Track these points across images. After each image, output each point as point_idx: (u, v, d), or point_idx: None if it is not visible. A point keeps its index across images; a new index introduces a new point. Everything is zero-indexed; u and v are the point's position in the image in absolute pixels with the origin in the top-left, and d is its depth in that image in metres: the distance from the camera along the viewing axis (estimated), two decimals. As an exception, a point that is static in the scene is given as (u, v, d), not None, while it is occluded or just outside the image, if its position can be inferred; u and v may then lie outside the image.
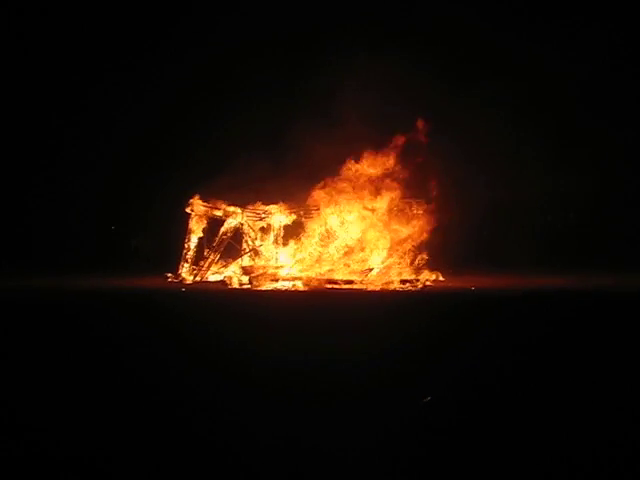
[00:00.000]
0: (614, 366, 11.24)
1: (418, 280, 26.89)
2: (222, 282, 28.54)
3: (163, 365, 11.50)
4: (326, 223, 28.63)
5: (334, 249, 28.34)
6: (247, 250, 30.05)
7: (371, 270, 27.54)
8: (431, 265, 28.42)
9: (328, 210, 28.50)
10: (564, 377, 10.52)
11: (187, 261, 30.46)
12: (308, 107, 31.71)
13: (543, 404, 8.94)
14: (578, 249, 38.53)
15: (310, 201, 29.10)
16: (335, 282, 26.79)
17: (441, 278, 28.58)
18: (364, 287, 26.51)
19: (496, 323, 16.52)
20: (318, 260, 27.94)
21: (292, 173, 28.19)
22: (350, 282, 26.85)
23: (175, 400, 9.28)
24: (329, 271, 27.59)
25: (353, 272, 27.46)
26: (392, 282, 26.83)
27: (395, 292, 25.97)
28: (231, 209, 30.06)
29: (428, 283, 27.33)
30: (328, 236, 28.46)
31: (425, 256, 28.15)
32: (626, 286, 25.95)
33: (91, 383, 10.17)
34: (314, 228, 28.95)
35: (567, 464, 6.98)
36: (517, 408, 8.80)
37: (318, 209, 28.87)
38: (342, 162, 28.68)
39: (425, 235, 28.25)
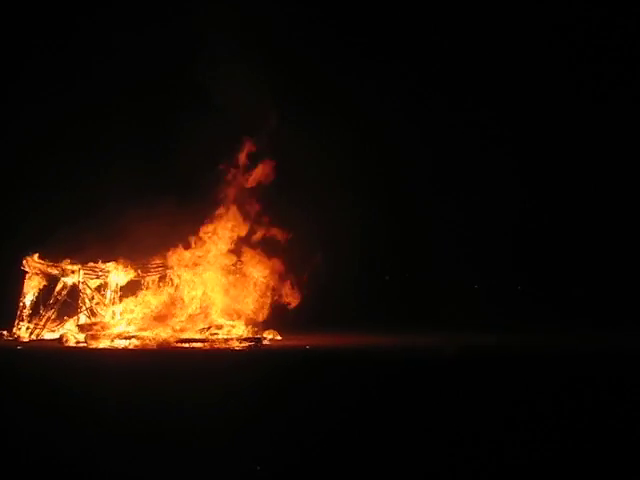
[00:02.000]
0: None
1: (255, 339, 27.47)
2: (58, 340, 28.28)
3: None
4: (173, 284, 29.03)
5: (176, 309, 28.66)
6: (83, 308, 29.85)
7: (209, 329, 27.98)
8: (270, 324, 29.19)
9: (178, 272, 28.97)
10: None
11: (22, 319, 29.96)
12: (152, 166, 31.96)
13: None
14: (414, 308, 39.89)
15: (150, 259, 29.50)
16: (182, 341, 27.09)
17: (278, 337, 29.31)
18: (205, 346, 26.87)
19: (319, 381, 17.23)
20: (156, 318, 28.10)
21: (136, 231, 28.44)
22: (194, 341, 27.18)
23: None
24: (168, 329, 27.77)
25: (191, 331, 27.83)
26: (231, 340, 27.33)
27: (233, 350, 26.44)
28: (67, 267, 29.86)
29: (265, 342, 27.99)
30: (173, 301, 28.80)
31: (263, 316, 28.93)
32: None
33: None
34: (154, 287, 29.28)
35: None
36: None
37: (157, 267, 29.23)
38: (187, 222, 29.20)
39: (266, 295, 29.01)
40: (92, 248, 29.65)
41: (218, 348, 26.71)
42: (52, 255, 30.15)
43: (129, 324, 28.36)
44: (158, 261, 29.78)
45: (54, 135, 37.18)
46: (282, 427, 11.55)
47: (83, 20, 36.64)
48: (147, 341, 26.93)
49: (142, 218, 27.74)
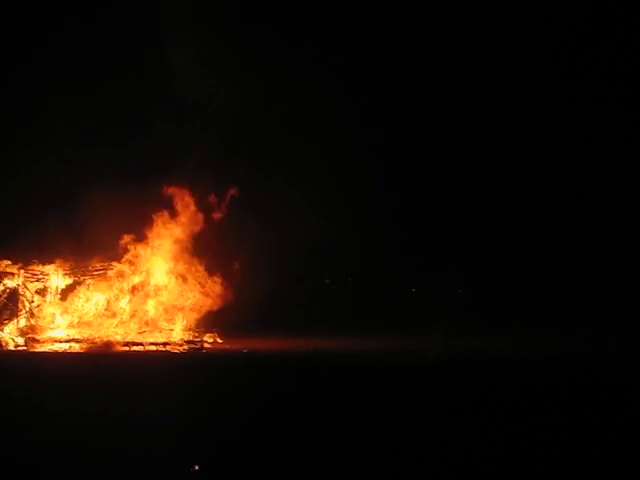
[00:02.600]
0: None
1: (195, 342, 27.63)
2: (-4, 344, 28.02)
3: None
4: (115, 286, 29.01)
5: (117, 311, 28.66)
6: (23, 311, 29.52)
7: (150, 331, 28.07)
8: (210, 327, 29.28)
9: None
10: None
11: (-40, 322, 29.50)
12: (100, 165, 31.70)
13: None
14: (355, 312, 40.14)
15: (91, 261, 29.39)
16: (122, 344, 27.11)
17: (219, 340, 29.42)
18: (144, 349, 26.95)
19: (260, 384, 17.50)
20: (96, 321, 28.07)
21: (82, 232, 28.41)
22: (134, 344, 27.24)
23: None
24: (108, 332, 27.76)
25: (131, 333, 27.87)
26: (171, 343, 27.46)
27: (173, 353, 26.56)
28: (7, 269, 29.47)
29: (206, 345, 28.12)
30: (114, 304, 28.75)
31: (203, 317, 29.06)
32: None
33: None
34: (96, 289, 29.23)
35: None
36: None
37: (98, 270, 29.13)
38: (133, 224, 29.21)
39: (206, 298, 29.16)
40: (34, 251, 29.39)
41: (157, 351, 26.85)
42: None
43: (69, 327, 28.23)
44: (99, 263, 29.60)
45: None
46: (224, 430, 11.80)
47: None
48: (88, 344, 26.90)
49: (97, 211, 27.62)
